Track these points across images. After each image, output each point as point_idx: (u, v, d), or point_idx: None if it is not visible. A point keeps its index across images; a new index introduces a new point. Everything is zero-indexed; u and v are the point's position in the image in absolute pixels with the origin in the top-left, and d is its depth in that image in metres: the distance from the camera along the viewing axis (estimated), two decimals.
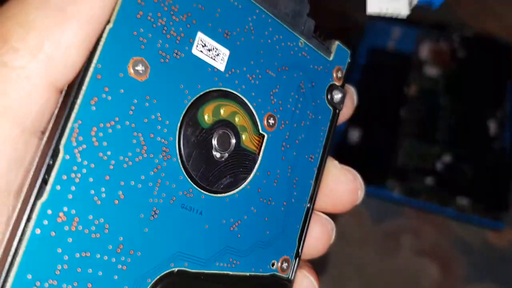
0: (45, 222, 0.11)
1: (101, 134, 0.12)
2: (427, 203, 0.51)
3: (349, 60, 0.17)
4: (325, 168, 0.17)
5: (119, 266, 0.12)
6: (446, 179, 0.52)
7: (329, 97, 0.16)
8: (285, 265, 0.16)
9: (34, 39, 0.11)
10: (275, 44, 0.15)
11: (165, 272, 0.13)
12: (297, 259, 0.16)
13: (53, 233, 0.11)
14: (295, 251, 0.16)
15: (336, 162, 0.17)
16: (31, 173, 0.12)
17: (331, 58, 0.17)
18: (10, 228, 0.11)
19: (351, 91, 0.18)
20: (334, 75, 0.16)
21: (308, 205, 0.16)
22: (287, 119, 0.15)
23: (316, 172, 0.16)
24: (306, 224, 0.16)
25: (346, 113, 0.18)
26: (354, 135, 0.54)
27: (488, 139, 0.54)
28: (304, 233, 0.16)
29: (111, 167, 0.12)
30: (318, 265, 0.48)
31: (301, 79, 0.15)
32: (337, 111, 0.17)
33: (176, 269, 0.13)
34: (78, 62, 0.12)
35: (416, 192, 0.51)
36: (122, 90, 0.12)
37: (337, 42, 0.17)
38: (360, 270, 0.48)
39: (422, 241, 0.50)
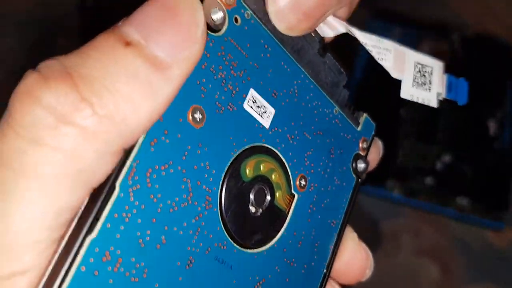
0: (91, 259, 0.11)
1: (155, 176, 0.12)
2: (427, 203, 0.51)
3: (373, 133, 0.18)
4: (345, 238, 0.17)
5: None
6: (446, 179, 0.52)
7: (353, 165, 0.17)
8: None
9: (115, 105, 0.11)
10: (313, 108, 0.16)
11: None
12: None
13: (96, 272, 0.11)
14: None
15: (355, 235, 0.18)
16: (82, 208, 0.11)
17: (359, 129, 0.17)
18: (54, 262, 0.11)
19: (378, 145, 0.19)
20: (360, 145, 0.17)
21: (325, 271, 0.16)
22: (316, 182, 0.16)
23: (336, 238, 0.17)
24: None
25: (371, 165, 0.18)
26: None
27: (488, 139, 0.54)
28: None
29: (159, 210, 0.12)
30: None
31: (332, 145, 0.16)
32: (359, 180, 0.17)
33: None
34: (153, 123, 0.12)
35: (416, 192, 0.51)
36: (180, 135, 0.12)
37: (365, 115, 0.18)
38: None
39: (421, 241, 0.50)
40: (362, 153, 0.17)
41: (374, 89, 0.57)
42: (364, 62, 0.59)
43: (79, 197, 0.11)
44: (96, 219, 0.11)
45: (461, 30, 0.63)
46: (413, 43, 0.62)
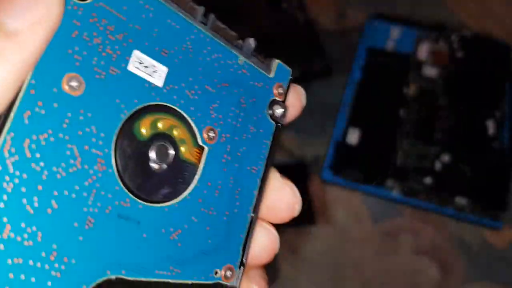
0: None
1: (34, 146, 0.12)
2: (426, 202, 0.51)
3: (290, 77, 0.18)
4: (268, 179, 0.17)
5: (53, 273, 0.12)
6: (445, 179, 0.52)
7: (270, 112, 0.17)
8: (228, 273, 0.16)
9: None
10: (214, 61, 0.16)
11: (102, 280, 0.13)
12: (242, 267, 0.16)
13: None
14: (239, 260, 0.16)
15: (278, 175, 0.18)
16: None
17: (271, 75, 0.17)
18: None
19: (299, 91, 0.19)
20: (275, 91, 0.17)
21: (252, 214, 0.17)
22: (228, 133, 0.16)
23: (259, 183, 0.17)
24: (250, 233, 0.16)
25: (293, 113, 0.18)
26: (354, 135, 0.54)
27: (486, 139, 0.55)
28: (247, 242, 0.16)
29: (44, 177, 0.12)
30: (318, 264, 0.48)
31: (242, 95, 0.16)
32: (279, 125, 0.17)
33: (114, 277, 0.13)
34: (13, 90, 0.12)
35: (415, 191, 0.51)
36: (56, 105, 0.13)
37: (277, 61, 0.18)
38: (359, 269, 0.48)
39: (421, 241, 0.50)
40: (278, 99, 0.17)
41: (373, 89, 0.58)
42: (363, 63, 0.59)
43: None
44: None
45: (460, 31, 0.63)
46: (412, 43, 0.62)
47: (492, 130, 0.55)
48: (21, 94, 0.12)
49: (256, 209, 0.17)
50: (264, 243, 0.17)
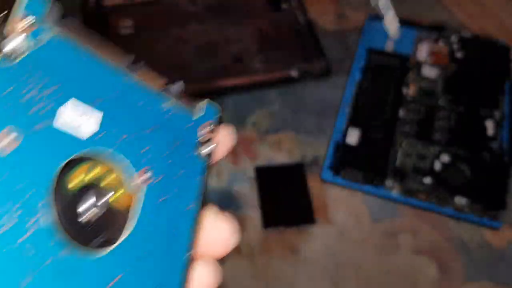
0: None
1: None
2: (426, 202, 0.51)
3: (220, 115, 0.18)
4: (204, 216, 0.17)
5: None
6: (445, 179, 0.52)
7: (196, 152, 0.18)
8: None
9: None
10: (143, 106, 0.16)
11: None
12: None
13: None
14: None
15: (214, 208, 0.18)
16: None
17: (199, 116, 0.18)
18: None
19: (229, 129, 0.19)
20: (203, 131, 0.18)
21: (188, 254, 0.17)
22: (161, 174, 0.16)
23: (194, 220, 0.17)
24: (187, 273, 0.17)
25: (222, 150, 0.19)
26: (354, 135, 0.54)
27: (486, 139, 0.55)
28: (185, 282, 0.17)
29: None
30: (317, 264, 0.48)
31: (171, 136, 0.17)
32: (208, 162, 0.18)
33: None
34: None
35: (415, 191, 0.52)
36: None
37: (205, 101, 0.18)
38: (359, 268, 0.48)
39: (420, 240, 0.50)
40: (204, 139, 0.18)
41: (373, 89, 0.58)
42: (363, 63, 0.59)
43: None
44: None
45: (459, 31, 0.63)
46: (412, 43, 0.62)
47: (491, 130, 0.55)
48: None
49: (191, 247, 0.17)
50: (203, 278, 0.17)
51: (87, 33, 0.15)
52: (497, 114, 0.57)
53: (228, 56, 0.60)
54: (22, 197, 0.13)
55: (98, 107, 0.15)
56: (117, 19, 0.64)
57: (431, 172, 0.52)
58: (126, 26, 0.63)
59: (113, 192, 0.15)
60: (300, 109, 0.57)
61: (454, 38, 0.62)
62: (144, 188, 0.16)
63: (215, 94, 0.57)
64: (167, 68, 0.59)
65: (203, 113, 0.18)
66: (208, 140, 0.18)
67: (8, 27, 0.13)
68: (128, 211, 0.15)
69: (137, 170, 0.16)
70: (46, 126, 0.13)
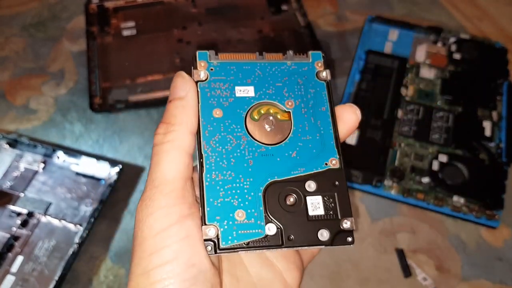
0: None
1: (215, 145, 0.25)
2: (424, 202, 0.52)
3: (323, 55, 0.28)
4: (335, 109, 0.27)
5: (246, 186, 0.25)
6: (442, 179, 0.52)
7: (318, 77, 0.28)
8: (334, 161, 0.26)
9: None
10: (276, 71, 0.28)
11: (267, 183, 0.25)
12: (340, 156, 0.27)
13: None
14: (337, 153, 0.27)
15: (340, 105, 0.27)
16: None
17: (310, 60, 0.28)
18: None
19: (353, 110, 0.27)
20: (316, 66, 0.28)
21: (334, 128, 0.27)
22: (299, 98, 0.27)
23: (330, 114, 0.27)
24: (338, 139, 0.27)
25: (350, 127, 0.27)
26: (353, 135, 0.54)
27: (483, 140, 0.55)
28: (338, 143, 0.27)
29: (224, 153, 0.25)
30: (317, 263, 0.48)
31: (298, 78, 0.28)
32: (327, 82, 0.28)
33: (272, 180, 0.25)
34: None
35: (413, 191, 0.52)
36: (210, 128, 0.26)
37: (310, 52, 0.28)
38: (358, 267, 0.49)
39: (418, 239, 0.51)
40: (320, 69, 0.28)
41: (372, 90, 0.58)
42: (362, 64, 0.60)
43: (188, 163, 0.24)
44: (201, 165, 0.25)
45: (457, 33, 0.64)
46: (411, 45, 0.63)
47: (488, 131, 0.56)
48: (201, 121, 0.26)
49: (335, 128, 0.27)
50: (351, 118, 0.27)
51: (228, 54, 0.27)
52: (494, 115, 0.57)
53: None
54: (232, 127, 0.26)
55: (251, 83, 0.27)
56: (119, 20, 0.65)
57: (429, 172, 0.53)
58: (128, 27, 0.64)
59: (278, 113, 0.27)
60: None
61: (452, 40, 0.63)
62: (292, 108, 0.27)
63: None
64: (168, 68, 0.60)
65: (312, 58, 0.28)
66: (322, 70, 0.28)
67: (198, 68, 0.27)
68: (288, 121, 0.27)
69: (284, 102, 0.27)
70: (233, 98, 0.27)
